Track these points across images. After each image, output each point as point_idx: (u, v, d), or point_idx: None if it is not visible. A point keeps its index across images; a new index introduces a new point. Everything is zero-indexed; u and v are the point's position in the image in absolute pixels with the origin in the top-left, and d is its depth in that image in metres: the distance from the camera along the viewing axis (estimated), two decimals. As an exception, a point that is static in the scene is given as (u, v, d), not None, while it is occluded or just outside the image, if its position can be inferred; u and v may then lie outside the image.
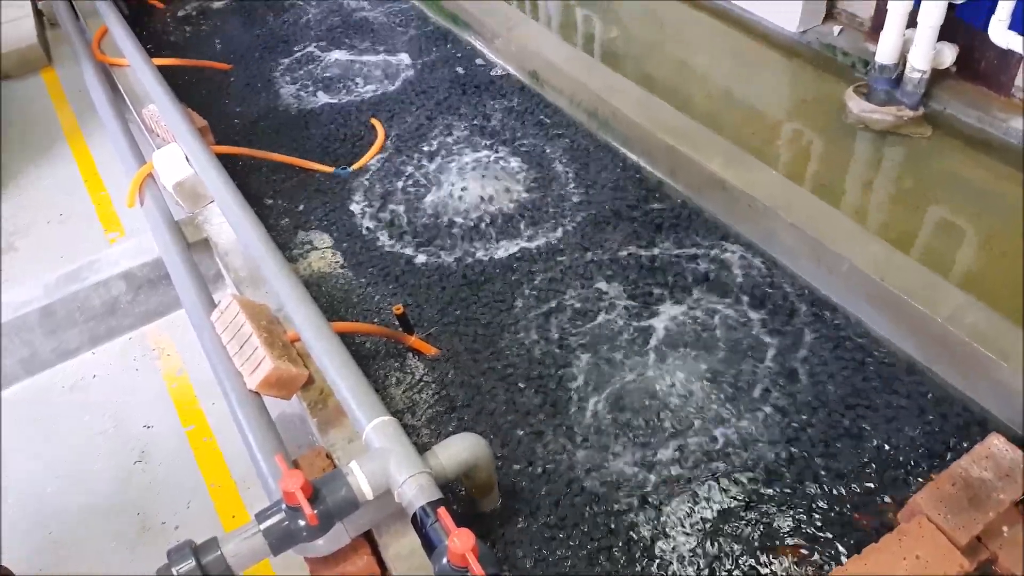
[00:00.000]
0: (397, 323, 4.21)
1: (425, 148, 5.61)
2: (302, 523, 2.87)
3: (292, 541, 2.92)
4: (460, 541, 2.61)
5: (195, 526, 3.74)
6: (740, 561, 3.29)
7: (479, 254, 4.76)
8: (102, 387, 4.47)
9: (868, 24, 5.68)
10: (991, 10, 4.60)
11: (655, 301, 4.35)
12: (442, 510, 2.80)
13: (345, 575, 3.17)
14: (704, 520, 3.43)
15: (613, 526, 3.45)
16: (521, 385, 4.03)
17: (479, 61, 6.42)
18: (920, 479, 3.45)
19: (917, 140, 4.99)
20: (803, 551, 3.29)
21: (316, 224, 5.14)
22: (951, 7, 4.77)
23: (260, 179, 5.52)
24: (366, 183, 5.39)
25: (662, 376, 3.98)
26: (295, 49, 6.93)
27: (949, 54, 5.00)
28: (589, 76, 5.56)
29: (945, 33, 4.86)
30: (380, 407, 3.27)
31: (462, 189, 5.21)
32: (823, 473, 3.53)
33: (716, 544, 3.34)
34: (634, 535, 3.41)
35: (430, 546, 2.80)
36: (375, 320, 4.46)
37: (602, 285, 4.46)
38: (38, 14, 7.39)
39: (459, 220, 5.01)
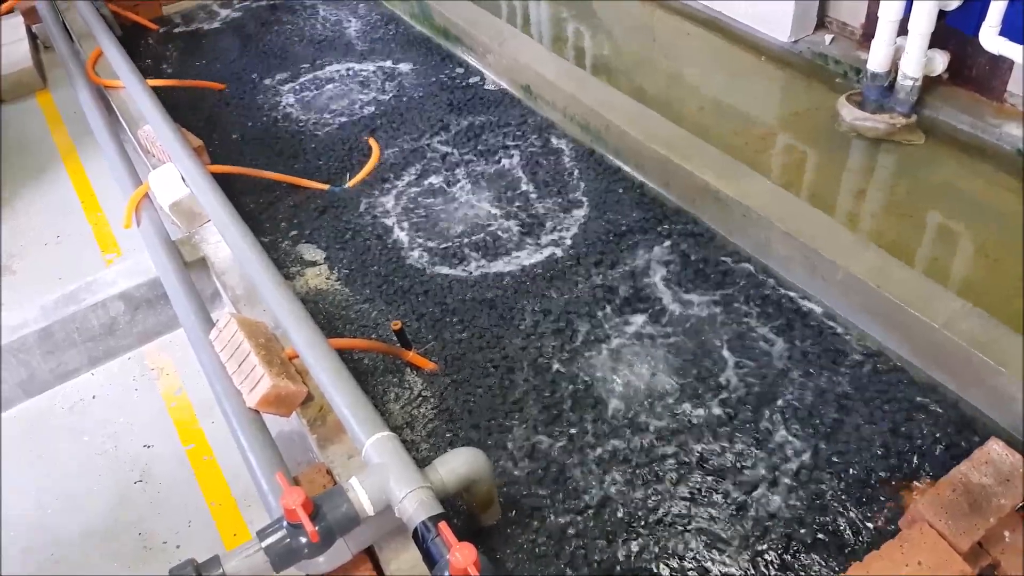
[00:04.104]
0: (395, 338, 4.21)
1: (421, 163, 5.63)
2: (303, 540, 2.87)
3: (294, 558, 2.92)
4: (462, 555, 2.61)
5: (196, 545, 3.73)
6: None
7: (477, 267, 4.77)
8: (101, 408, 4.47)
9: (859, 32, 5.71)
10: (981, 17, 4.63)
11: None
12: (443, 525, 2.80)
13: (347, 592, 3.17)
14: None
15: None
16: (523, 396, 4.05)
17: (472, 76, 6.45)
18: (919, 485, 3.46)
19: (910, 147, 5.01)
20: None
21: (312, 241, 5.14)
22: (942, 14, 4.81)
23: (256, 198, 5.53)
24: (362, 200, 5.40)
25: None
26: (287, 67, 6.95)
27: (941, 61, 5.03)
28: (582, 89, 5.58)
29: (936, 40, 4.90)
30: (379, 423, 3.27)
31: (459, 203, 5.23)
32: (816, 477, 3.54)
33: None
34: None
35: (431, 561, 2.80)
36: (373, 336, 4.47)
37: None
38: (32, 37, 7.41)
39: (456, 234, 5.02)
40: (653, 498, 3.54)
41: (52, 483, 4.09)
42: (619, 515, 3.50)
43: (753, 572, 3.27)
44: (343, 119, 6.22)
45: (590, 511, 3.53)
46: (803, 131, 5.26)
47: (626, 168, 5.28)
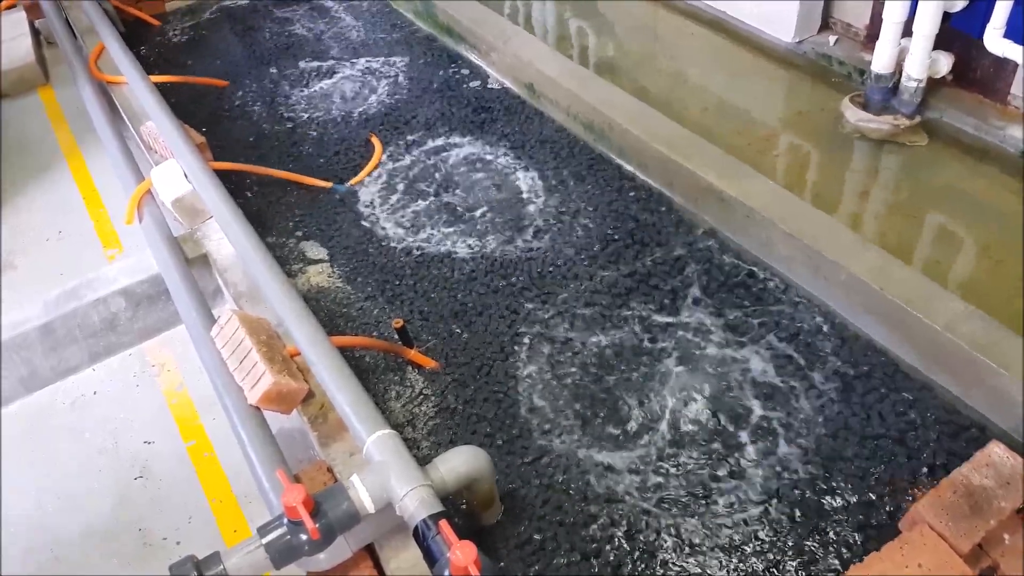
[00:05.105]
0: (397, 337, 4.21)
1: (421, 161, 5.62)
2: (304, 537, 2.87)
3: (294, 555, 2.92)
4: (462, 554, 2.61)
5: (197, 542, 3.72)
6: None
7: (479, 266, 4.77)
8: (102, 404, 4.46)
9: (863, 34, 5.71)
10: (986, 19, 4.63)
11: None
12: (443, 523, 2.80)
13: (347, 589, 3.17)
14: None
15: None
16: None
17: (475, 74, 6.45)
18: (920, 487, 3.46)
19: (914, 148, 5.01)
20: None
21: (314, 238, 5.14)
22: (946, 16, 4.80)
23: (258, 195, 5.52)
24: (364, 197, 5.39)
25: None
26: (289, 64, 6.94)
27: (945, 63, 5.03)
28: (585, 88, 5.58)
29: (940, 42, 4.89)
30: (380, 421, 3.27)
31: (460, 201, 5.23)
32: (816, 481, 3.54)
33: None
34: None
35: (432, 559, 2.81)
36: (374, 334, 4.47)
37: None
38: (35, 33, 7.41)
39: (458, 232, 5.02)
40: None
41: (52, 480, 4.09)
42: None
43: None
44: (345, 116, 6.22)
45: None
46: (806, 132, 5.25)
47: (628, 167, 5.27)
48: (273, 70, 6.91)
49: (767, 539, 3.36)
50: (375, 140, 5.85)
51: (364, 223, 5.19)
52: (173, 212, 4.84)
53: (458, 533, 2.73)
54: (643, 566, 3.33)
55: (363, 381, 3.53)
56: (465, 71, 6.51)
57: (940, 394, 3.79)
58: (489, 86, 6.30)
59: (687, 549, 3.37)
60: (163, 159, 5.18)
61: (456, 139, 5.79)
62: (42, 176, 5.89)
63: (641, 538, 3.41)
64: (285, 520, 2.90)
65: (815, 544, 3.33)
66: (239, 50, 7.27)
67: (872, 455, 3.59)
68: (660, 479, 3.61)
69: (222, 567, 2.83)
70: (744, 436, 3.73)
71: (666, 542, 3.39)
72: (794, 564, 3.27)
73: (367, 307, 4.64)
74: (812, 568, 3.26)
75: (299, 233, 5.20)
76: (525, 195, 5.20)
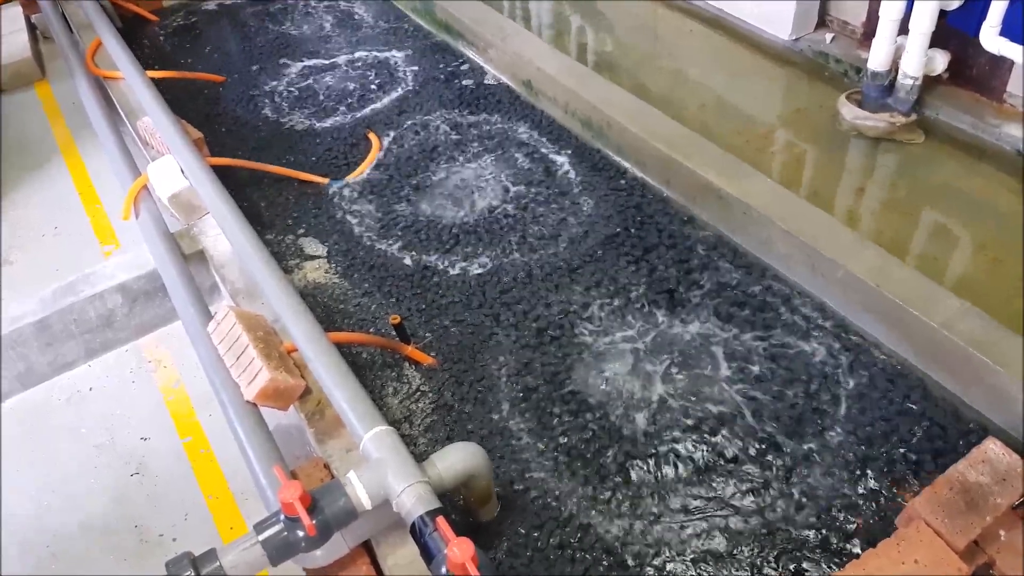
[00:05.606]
0: (394, 333, 4.21)
1: (420, 158, 5.61)
2: (300, 534, 2.86)
3: (291, 552, 2.92)
4: (459, 550, 2.61)
5: (193, 538, 3.73)
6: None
7: (475, 263, 4.77)
8: (99, 400, 4.46)
9: (860, 31, 5.71)
10: (982, 17, 4.63)
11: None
12: (441, 519, 2.80)
13: (344, 586, 3.17)
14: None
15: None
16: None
17: (473, 71, 6.44)
18: (917, 483, 3.46)
19: (910, 146, 5.01)
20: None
21: (311, 235, 5.13)
22: (943, 14, 4.80)
23: (255, 191, 5.51)
24: (361, 194, 5.39)
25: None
26: (286, 60, 6.93)
27: (941, 60, 5.03)
28: (583, 86, 5.57)
29: (937, 40, 4.89)
30: (377, 417, 3.27)
31: (457, 199, 5.23)
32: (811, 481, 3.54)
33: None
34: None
35: (429, 556, 2.80)
36: (372, 330, 4.46)
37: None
38: (31, 28, 7.39)
39: (458, 230, 5.00)
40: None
41: (49, 475, 4.08)
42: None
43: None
44: (341, 111, 6.21)
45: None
46: (804, 130, 5.26)
47: (627, 165, 5.27)
48: (270, 65, 6.90)
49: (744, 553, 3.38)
50: (372, 136, 5.84)
51: (362, 219, 5.18)
52: (170, 208, 4.83)
53: (455, 530, 2.73)
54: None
55: (360, 377, 3.53)
56: (464, 67, 6.50)
57: (938, 392, 3.80)
58: (486, 82, 6.29)
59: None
60: (160, 155, 5.17)
61: (452, 132, 5.78)
62: (38, 172, 5.87)
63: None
64: (282, 517, 2.90)
65: (803, 550, 3.34)
66: (237, 46, 7.26)
67: (869, 453, 3.60)
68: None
69: (218, 564, 2.82)
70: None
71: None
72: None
73: (364, 303, 4.63)
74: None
75: (297, 229, 5.19)
76: (520, 189, 5.21)
